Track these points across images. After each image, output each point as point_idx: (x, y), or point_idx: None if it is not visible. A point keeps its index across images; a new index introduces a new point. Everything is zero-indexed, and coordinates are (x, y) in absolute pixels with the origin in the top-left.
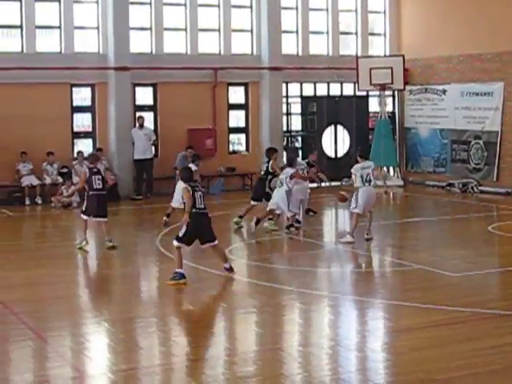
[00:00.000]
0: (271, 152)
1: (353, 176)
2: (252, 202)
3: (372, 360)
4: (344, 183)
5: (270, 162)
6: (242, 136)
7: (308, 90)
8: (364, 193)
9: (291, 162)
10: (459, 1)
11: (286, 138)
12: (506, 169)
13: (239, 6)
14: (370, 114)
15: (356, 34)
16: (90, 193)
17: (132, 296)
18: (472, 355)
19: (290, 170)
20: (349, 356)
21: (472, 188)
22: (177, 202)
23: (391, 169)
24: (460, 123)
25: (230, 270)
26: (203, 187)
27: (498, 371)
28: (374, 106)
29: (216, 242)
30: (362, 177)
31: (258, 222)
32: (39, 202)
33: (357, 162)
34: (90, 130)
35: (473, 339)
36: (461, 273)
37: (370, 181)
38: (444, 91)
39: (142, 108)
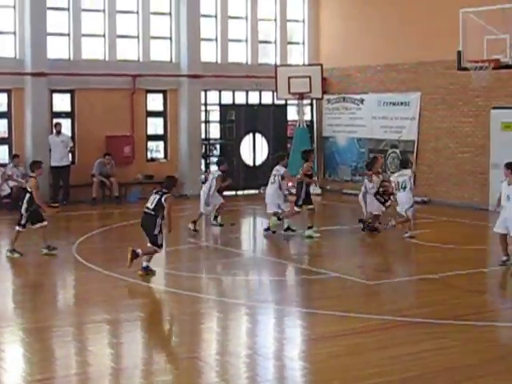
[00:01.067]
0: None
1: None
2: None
3: (289, 368)
4: (262, 191)
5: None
6: (161, 143)
7: (227, 98)
8: (398, 198)
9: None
10: (377, 11)
11: (204, 146)
12: (422, 178)
13: (158, 13)
14: (289, 123)
15: (275, 42)
16: None
17: (48, 305)
18: (388, 362)
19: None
20: (266, 365)
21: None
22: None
23: None
24: (377, 132)
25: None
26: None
27: (414, 378)
28: (292, 114)
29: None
30: (398, 183)
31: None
32: None
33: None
34: (6, 136)
35: (389, 347)
36: (376, 281)
37: (405, 187)
38: (361, 100)
39: (60, 115)
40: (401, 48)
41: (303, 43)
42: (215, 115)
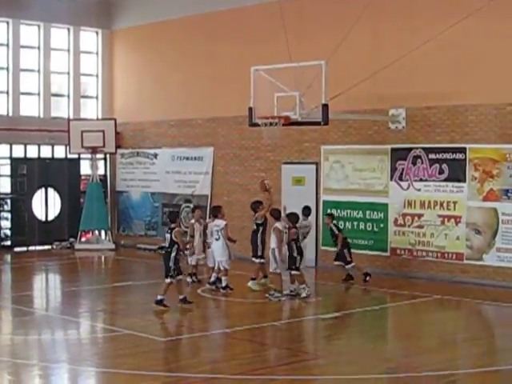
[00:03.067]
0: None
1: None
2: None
3: None
4: (55, 246)
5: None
6: None
7: (18, 151)
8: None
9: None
10: (172, 67)
11: None
12: None
13: None
14: (82, 177)
15: (68, 96)
16: None
17: None
18: None
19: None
20: None
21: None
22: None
23: (103, 232)
24: (171, 187)
25: None
26: None
27: None
28: (85, 168)
29: None
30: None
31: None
32: None
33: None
34: None
35: None
36: (170, 337)
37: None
38: (155, 155)
39: None
40: (194, 103)
41: (97, 97)
42: (6, 169)
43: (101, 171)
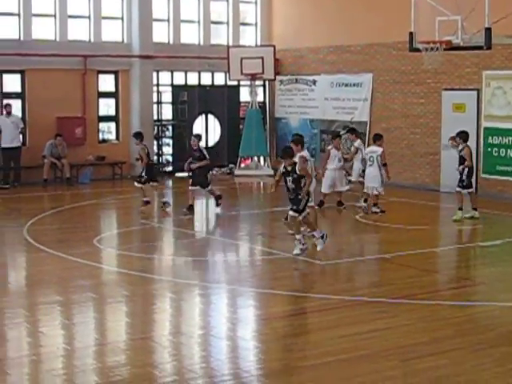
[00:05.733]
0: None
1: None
2: None
3: (241, 348)
4: (215, 172)
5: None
6: (112, 125)
7: (179, 78)
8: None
9: None
10: None
11: (156, 127)
12: None
13: None
14: (241, 104)
15: (227, 23)
16: None
17: None
18: (339, 341)
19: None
20: (219, 344)
21: None
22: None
23: (262, 158)
24: (329, 114)
25: None
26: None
27: (364, 356)
28: (244, 95)
29: None
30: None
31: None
32: None
33: None
34: None
35: (340, 326)
36: (328, 261)
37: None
38: (314, 82)
39: (10, 95)
40: (353, 29)
41: (256, 24)
42: (167, 96)
43: (260, 98)
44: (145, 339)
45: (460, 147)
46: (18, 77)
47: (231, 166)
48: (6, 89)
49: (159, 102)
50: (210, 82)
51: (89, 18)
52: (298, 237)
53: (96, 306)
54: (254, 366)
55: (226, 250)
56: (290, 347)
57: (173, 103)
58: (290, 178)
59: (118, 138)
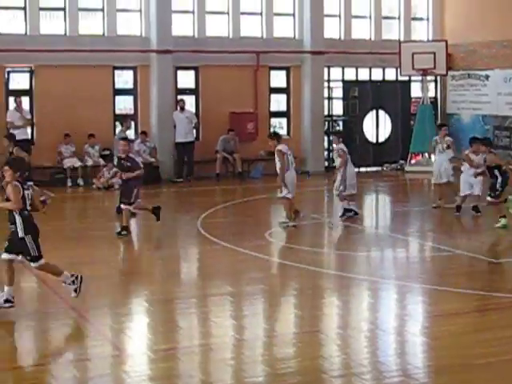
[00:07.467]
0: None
1: None
2: None
3: (411, 344)
4: (385, 168)
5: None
6: (283, 120)
7: (350, 74)
8: None
9: None
10: None
11: (327, 123)
12: None
13: None
14: (413, 99)
15: (399, 18)
16: None
17: (172, 277)
18: (510, 341)
19: None
20: (388, 339)
21: None
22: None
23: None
24: (502, 109)
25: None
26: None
27: None
28: (416, 91)
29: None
30: None
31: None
32: (81, 183)
33: None
34: (132, 112)
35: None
36: (502, 259)
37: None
38: (487, 77)
39: (184, 91)
40: None
41: (427, 19)
42: (338, 92)
43: (431, 93)
44: (314, 332)
45: None
46: (192, 73)
47: (401, 161)
48: (181, 85)
49: (330, 98)
50: (380, 78)
51: (261, 14)
52: None
53: (266, 298)
54: (424, 362)
55: (396, 246)
56: (460, 345)
57: (343, 98)
58: None
59: (288, 133)
